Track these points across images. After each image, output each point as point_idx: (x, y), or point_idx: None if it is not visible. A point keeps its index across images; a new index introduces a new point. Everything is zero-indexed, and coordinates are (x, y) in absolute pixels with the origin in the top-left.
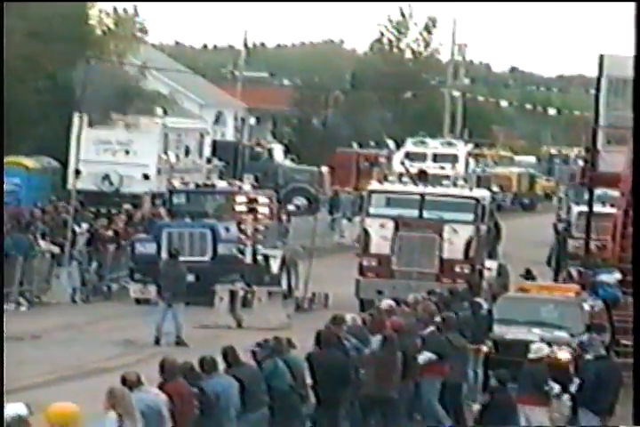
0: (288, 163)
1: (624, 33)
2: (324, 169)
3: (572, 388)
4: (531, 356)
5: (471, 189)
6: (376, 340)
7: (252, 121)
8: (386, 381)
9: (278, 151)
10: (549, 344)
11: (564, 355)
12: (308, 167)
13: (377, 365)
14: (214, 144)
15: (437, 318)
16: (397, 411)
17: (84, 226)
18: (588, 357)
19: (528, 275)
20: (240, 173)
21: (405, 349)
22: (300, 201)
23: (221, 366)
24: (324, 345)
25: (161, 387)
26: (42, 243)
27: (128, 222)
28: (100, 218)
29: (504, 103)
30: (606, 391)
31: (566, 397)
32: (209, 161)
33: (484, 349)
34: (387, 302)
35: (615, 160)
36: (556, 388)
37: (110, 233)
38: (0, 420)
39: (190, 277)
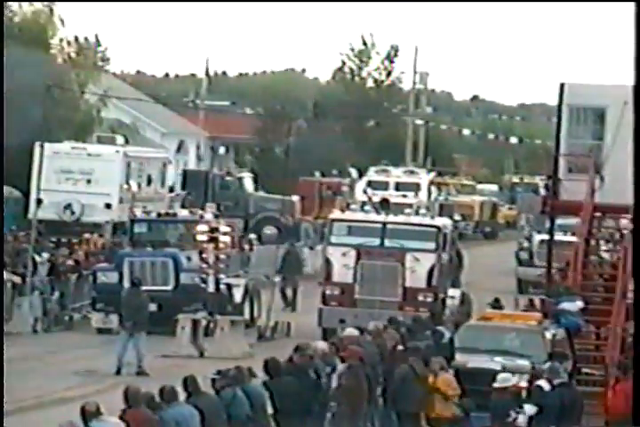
0: (258, 192)
1: (584, 62)
2: (295, 198)
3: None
4: (496, 385)
5: (433, 217)
6: (340, 369)
7: (222, 150)
8: (355, 411)
9: (248, 180)
10: (512, 373)
11: (524, 383)
12: (279, 196)
13: (345, 395)
14: (184, 173)
15: (400, 347)
16: None
17: (45, 255)
18: (544, 384)
19: (496, 304)
20: (211, 202)
21: (368, 378)
22: (270, 230)
23: (182, 395)
24: (274, 373)
25: (122, 415)
26: (2, 273)
27: (89, 252)
28: (61, 247)
29: (466, 132)
30: (570, 419)
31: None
32: (171, 190)
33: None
34: (349, 331)
35: (576, 188)
36: (522, 418)
37: (71, 262)
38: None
39: (152, 307)
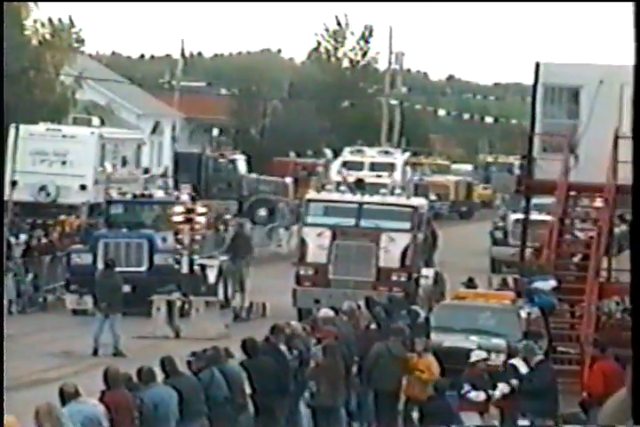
0: (251, 174)
1: (559, 41)
2: (288, 180)
3: (500, 391)
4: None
5: (408, 197)
6: (316, 349)
7: (215, 132)
8: (335, 390)
9: (242, 162)
10: (488, 352)
11: (500, 361)
12: (273, 178)
13: (324, 375)
14: (176, 156)
15: (373, 326)
16: (340, 420)
17: (23, 237)
18: (518, 363)
19: (470, 283)
20: (204, 184)
21: (344, 357)
22: (264, 212)
23: (160, 376)
24: (252, 353)
25: (101, 397)
26: None
27: (64, 233)
28: (36, 229)
29: (441, 112)
30: (546, 398)
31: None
32: (146, 171)
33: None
34: (324, 311)
35: (551, 168)
36: (478, 394)
37: (46, 244)
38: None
39: (127, 288)
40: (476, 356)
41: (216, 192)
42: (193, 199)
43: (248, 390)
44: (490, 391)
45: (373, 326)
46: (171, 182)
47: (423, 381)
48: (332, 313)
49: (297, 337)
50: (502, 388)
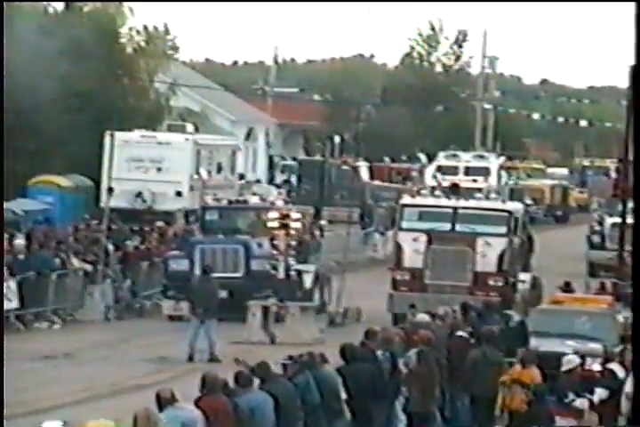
0: (373, 181)
1: None
2: (410, 185)
3: (598, 396)
4: (563, 368)
5: (504, 201)
6: (410, 355)
7: (337, 139)
8: (428, 396)
9: (364, 169)
10: (582, 356)
11: (597, 367)
12: (395, 185)
13: (417, 380)
14: (300, 163)
15: (461, 332)
16: (436, 426)
17: (129, 243)
18: (616, 368)
19: (567, 288)
20: (328, 191)
21: (438, 362)
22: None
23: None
24: (349, 359)
25: (198, 402)
26: (74, 261)
27: (161, 240)
28: (133, 235)
29: (535, 115)
30: None
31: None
32: (241, 177)
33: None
34: (420, 316)
35: None
36: (583, 402)
37: (143, 250)
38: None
39: (223, 294)
40: (568, 362)
41: (339, 199)
42: (287, 204)
43: (344, 396)
44: (590, 397)
45: (462, 333)
46: (273, 189)
47: (526, 394)
48: (427, 318)
49: (392, 342)
50: (600, 393)
